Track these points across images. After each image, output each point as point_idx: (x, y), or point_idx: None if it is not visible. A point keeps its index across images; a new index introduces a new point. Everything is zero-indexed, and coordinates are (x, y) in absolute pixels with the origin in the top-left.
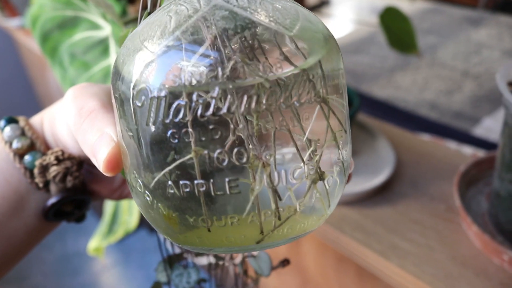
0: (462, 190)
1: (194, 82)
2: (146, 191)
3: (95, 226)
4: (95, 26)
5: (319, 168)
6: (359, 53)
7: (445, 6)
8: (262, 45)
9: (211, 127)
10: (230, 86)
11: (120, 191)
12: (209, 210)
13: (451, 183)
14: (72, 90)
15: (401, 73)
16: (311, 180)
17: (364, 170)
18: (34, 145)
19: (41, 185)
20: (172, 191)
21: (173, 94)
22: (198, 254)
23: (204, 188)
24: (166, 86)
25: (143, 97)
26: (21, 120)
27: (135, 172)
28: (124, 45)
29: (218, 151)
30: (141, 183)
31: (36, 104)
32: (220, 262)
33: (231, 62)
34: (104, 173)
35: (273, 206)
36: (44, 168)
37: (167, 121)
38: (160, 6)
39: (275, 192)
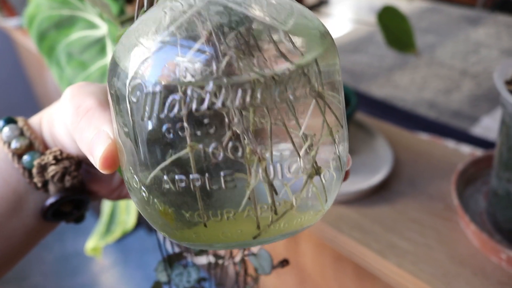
0: (460, 189)
1: (189, 77)
2: (142, 187)
3: (95, 226)
4: (91, 26)
5: (316, 162)
6: (358, 53)
7: (443, 5)
8: (256, 40)
9: (206, 121)
10: (225, 80)
11: (119, 191)
12: (205, 205)
13: (449, 182)
14: (70, 89)
15: (400, 72)
16: (307, 174)
17: (362, 169)
18: (32, 145)
19: (39, 185)
20: (167, 187)
21: (168, 89)
22: (197, 253)
23: (199, 183)
24: (161, 81)
25: (138, 93)
26: (20, 121)
27: (131, 168)
28: (119, 42)
29: (213, 145)
30: (137, 180)
31: (35, 104)
32: (220, 261)
33: (226, 57)
34: (101, 171)
35: (269, 200)
36: (43, 168)
37: (162, 116)
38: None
39: (271, 186)
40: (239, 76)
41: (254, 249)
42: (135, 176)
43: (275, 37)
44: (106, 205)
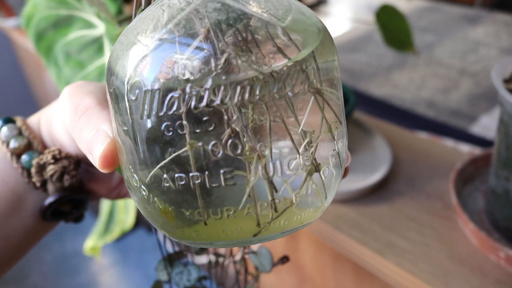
0: (459, 187)
1: (187, 74)
2: (142, 186)
3: (94, 226)
4: (89, 25)
5: (315, 159)
6: (357, 52)
7: (442, 5)
8: (255, 36)
9: (205, 119)
10: (223, 78)
11: (118, 190)
12: (204, 202)
13: (447, 181)
14: (68, 88)
15: (398, 71)
16: (307, 171)
17: (360, 168)
18: (31, 144)
19: (38, 184)
20: (167, 185)
21: (167, 87)
22: (197, 252)
23: (199, 181)
24: (160, 79)
25: (137, 91)
26: (18, 120)
27: (131, 167)
28: (118, 40)
29: (213, 143)
30: (137, 178)
31: (33, 104)
32: (220, 260)
33: (224, 54)
34: (100, 170)
35: (269, 197)
36: (41, 167)
37: (161, 114)
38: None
39: (271, 183)
40: (238, 73)
41: (254, 247)
42: (134, 175)
43: (273, 33)
44: (105, 205)
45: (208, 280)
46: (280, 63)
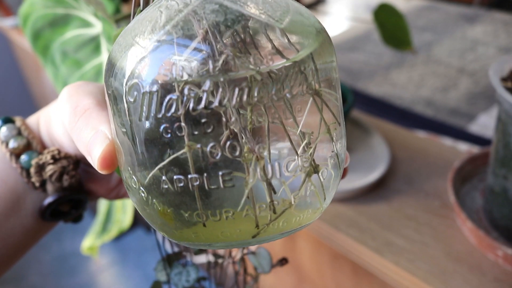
0: (457, 186)
1: (185, 76)
2: (141, 188)
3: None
4: (86, 24)
5: (314, 160)
6: (355, 51)
7: (440, 3)
8: (253, 38)
9: (203, 120)
10: (221, 79)
11: (117, 191)
12: (203, 204)
13: (445, 180)
14: (67, 89)
15: (397, 70)
16: (305, 173)
17: (358, 166)
18: (30, 144)
19: (37, 184)
20: (166, 186)
21: (165, 89)
22: (196, 253)
23: (198, 183)
24: (158, 80)
25: (135, 93)
26: (18, 120)
27: (129, 169)
28: (116, 41)
29: (211, 144)
30: (135, 180)
31: (32, 104)
32: (219, 261)
33: (222, 56)
34: (99, 171)
35: (267, 199)
36: (41, 167)
37: (160, 115)
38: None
39: (269, 185)
40: (236, 75)
41: (253, 248)
42: (133, 176)
43: (271, 34)
44: (102, 204)
45: (207, 281)
46: (278, 64)
